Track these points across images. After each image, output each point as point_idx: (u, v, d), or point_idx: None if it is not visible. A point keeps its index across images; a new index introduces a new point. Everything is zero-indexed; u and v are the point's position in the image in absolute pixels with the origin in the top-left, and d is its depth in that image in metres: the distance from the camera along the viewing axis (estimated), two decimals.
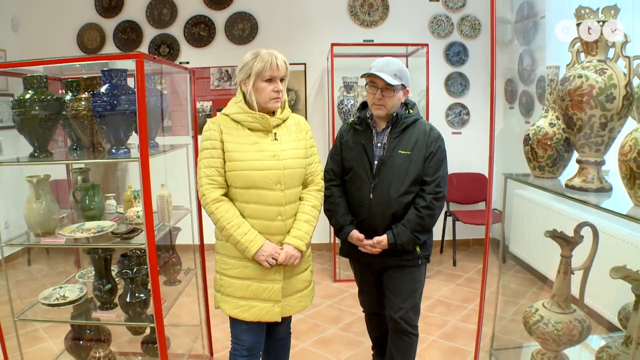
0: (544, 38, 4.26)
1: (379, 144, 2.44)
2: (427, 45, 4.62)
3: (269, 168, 2.08)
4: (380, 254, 2.44)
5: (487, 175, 2.35)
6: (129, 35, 5.36)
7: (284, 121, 2.20)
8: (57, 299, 2.46)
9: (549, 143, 1.97)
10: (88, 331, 2.68)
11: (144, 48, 5.35)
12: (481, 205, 5.33)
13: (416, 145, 2.37)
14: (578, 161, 1.80)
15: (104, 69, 2.21)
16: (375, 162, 2.41)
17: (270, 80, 2.07)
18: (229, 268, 2.18)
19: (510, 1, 4.72)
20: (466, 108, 5.39)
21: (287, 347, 2.55)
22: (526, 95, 4.63)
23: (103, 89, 2.17)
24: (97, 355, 2.55)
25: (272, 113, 2.18)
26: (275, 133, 2.15)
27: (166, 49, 5.34)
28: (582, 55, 1.77)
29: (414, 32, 5.21)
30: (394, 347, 2.61)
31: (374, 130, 2.46)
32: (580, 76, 1.66)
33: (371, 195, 2.40)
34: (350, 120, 2.56)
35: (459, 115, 5.41)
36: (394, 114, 2.40)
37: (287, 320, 2.44)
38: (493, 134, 2.25)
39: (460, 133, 5.40)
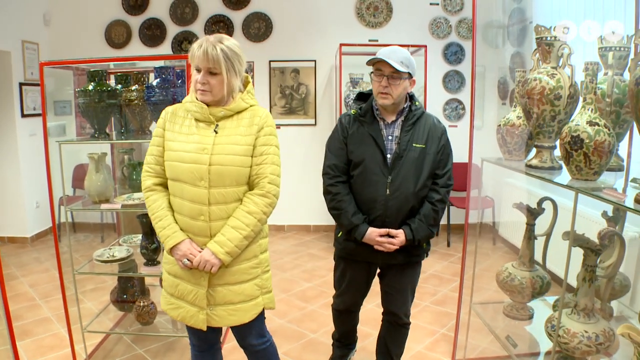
0: (531, 41, 4.72)
1: (390, 137, 2.31)
2: (426, 46, 5.08)
3: (195, 162, 1.90)
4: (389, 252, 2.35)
5: (478, 165, 2.79)
6: (153, 31, 5.83)
7: (237, 113, 1.98)
8: (108, 257, 2.94)
9: (515, 132, 2.44)
10: (130, 286, 3.17)
11: (167, 44, 5.83)
12: (474, 192, 5.78)
13: (429, 138, 2.30)
14: (535, 146, 2.27)
15: (156, 66, 2.69)
16: (389, 155, 2.29)
17: (198, 69, 1.90)
18: (166, 262, 2.09)
19: (503, 6, 5.17)
20: (462, 103, 5.85)
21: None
22: None
23: (155, 82, 2.65)
24: (142, 304, 3.04)
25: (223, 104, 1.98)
26: (217, 124, 1.95)
27: (187, 45, 5.80)
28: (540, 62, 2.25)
29: (415, 32, 5.67)
30: (389, 338, 2.66)
31: (381, 122, 2.33)
32: (535, 79, 2.13)
33: (387, 190, 2.27)
34: (352, 111, 2.39)
35: (455, 110, 5.88)
36: (405, 106, 2.32)
37: (251, 329, 2.14)
38: (472, 129, 2.70)
39: (456, 126, 5.86)
